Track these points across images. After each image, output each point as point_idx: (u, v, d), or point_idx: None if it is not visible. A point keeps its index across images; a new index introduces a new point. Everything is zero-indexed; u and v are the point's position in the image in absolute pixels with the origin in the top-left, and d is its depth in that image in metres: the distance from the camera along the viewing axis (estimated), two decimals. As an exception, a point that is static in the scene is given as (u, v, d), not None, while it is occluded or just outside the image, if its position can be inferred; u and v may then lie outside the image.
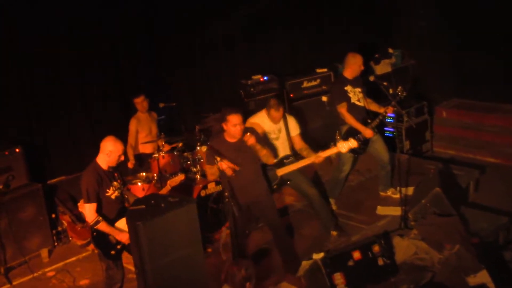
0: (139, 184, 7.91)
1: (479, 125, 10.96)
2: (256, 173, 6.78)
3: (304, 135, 7.72)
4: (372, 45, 11.28)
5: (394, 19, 11.86)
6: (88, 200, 6.12)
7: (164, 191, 7.06)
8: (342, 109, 7.98)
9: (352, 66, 8.05)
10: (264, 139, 7.21)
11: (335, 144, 7.44)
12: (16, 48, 8.15)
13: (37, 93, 8.44)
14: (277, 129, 7.55)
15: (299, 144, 7.55)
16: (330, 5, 11.24)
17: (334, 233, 7.68)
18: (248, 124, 7.46)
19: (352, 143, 7.09)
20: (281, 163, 7.48)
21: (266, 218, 7.01)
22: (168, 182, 7.12)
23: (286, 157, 7.55)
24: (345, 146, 7.08)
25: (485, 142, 10.51)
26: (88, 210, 6.15)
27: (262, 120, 7.54)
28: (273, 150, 7.30)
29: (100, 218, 6.15)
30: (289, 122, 7.61)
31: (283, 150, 7.57)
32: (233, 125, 6.42)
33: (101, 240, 6.28)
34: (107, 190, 6.24)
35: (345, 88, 8.02)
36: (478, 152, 10.32)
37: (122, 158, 6.33)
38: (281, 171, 7.42)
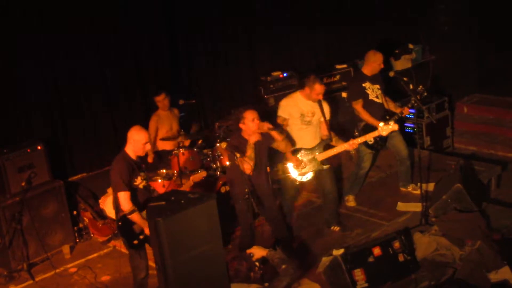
0: (160, 180, 7.93)
1: (500, 120, 10.87)
2: (267, 170, 7.10)
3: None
4: (392, 41, 11.21)
5: (415, 14, 11.77)
6: (123, 188, 6.16)
7: (187, 185, 7.18)
8: (357, 105, 7.96)
9: (372, 63, 8.02)
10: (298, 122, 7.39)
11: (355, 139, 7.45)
12: (40, 46, 8.22)
13: (59, 90, 8.50)
14: (311, 112, 7.46)
15: (326, 130, 7.52)
16: (351, 0, 11.20)
17: (336, 228, 7.69)
18: (282, 105, 7.54)
19: (393, 126, 7.36)
20: (325, 147, 7.49)
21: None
22: (191, 177, 7.27)
23: (326, 141, 7.51)
24: (385, 129, 7.37)
25: (507, 138, 10.42)
26: (123, 199, 6.17)
27: (295, 102, 7.49)
28: (305, 134, 7.43)
29: (135, 208, 6.20)
30: (324, 106, 7.56)
31: (315, 134, 7.51)
32: (250, 120, 6.73)
33: (126, 229, 6.33)
34: (135, 179, 6.33)
35: (363, 85, 8.00)
36: (500, 148, 10.24)
37: (148, 147, 6.39)
38: (321, 156, 7.42)
